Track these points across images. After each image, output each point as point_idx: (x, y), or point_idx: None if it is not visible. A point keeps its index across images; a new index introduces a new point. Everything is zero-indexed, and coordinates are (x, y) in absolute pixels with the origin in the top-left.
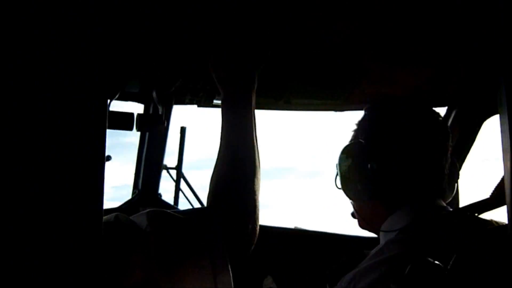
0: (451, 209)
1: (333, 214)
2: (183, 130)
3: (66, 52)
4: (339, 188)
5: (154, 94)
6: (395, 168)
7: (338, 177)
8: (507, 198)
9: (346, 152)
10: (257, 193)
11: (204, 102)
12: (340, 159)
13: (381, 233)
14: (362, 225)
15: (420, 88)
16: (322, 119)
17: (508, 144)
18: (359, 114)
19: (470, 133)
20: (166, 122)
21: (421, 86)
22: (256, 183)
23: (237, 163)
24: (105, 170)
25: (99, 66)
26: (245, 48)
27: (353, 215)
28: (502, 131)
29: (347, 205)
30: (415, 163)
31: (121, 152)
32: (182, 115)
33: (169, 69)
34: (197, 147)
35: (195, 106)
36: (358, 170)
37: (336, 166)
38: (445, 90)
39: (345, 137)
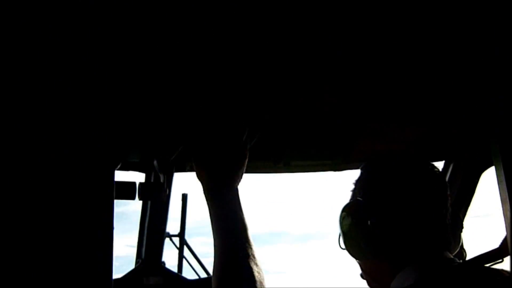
0: (459, 261)
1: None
2: (184, 197)
3: (74, 128)
4: (343, 249)
5: (155, 163)
6: (396, 224)
7: (341, 237)
8: (509, 246)
9: (346, 211)
10: (256, 275)
11: None
12: (341, 218)
13: None
14: (372, 285)
15: (417, 144)
16: (310, 182)
17: (506, 194)
18: (347, 174)
19: (469, 186)
20: (167, 190)
21: (418, 141)
22: (252, 265)
23: (231, 253)
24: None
25: (104, 139)
26: (230, 142)
27: (361, 276)
28: (498, 182)
29: (341, 268)
30: (415, 216)
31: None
32: (182, 180)
33: (170, 137)
34: (199, 212)
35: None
36: (359, 228)
37: (338, 226)
38: (442, 145)
39: (333, 198)
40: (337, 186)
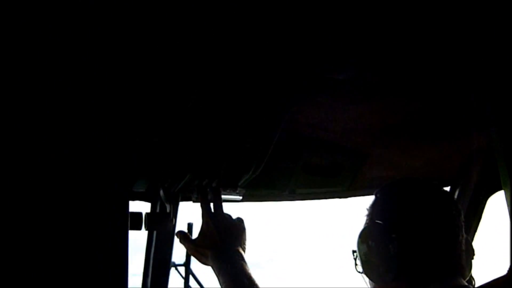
0: None
1: None
2: (190, 227)
3: (90, 160)
4: (361, 273)
5: (161, 192)
6: (416, 247)
7: (358, 262)
8: None
9: (365, 236)
10: None
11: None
12: (359, 242)
13: None
14: None
15: (421, 170)
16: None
17: None
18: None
19: (475, 211)
20: (174, 220)
21: (422, 167)
22: None
23: None
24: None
25: (119, 169)
26: None
27: None
28: (508, 205)
29: None
30: (434, 240)
31: None
32: (187, 209)
33: (176, 167)
34: None
35: None
36: (379, 252)
37: (355, 250)
38: (446, 170)
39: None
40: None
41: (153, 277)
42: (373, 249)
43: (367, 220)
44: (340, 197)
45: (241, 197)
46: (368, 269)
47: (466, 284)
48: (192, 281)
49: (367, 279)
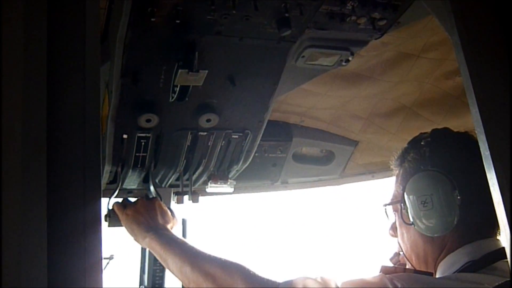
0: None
1: None
2: (184, 222)
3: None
4: (410, 224)
5: (151, 188)
6: (474, 200)
7: (409, 212)
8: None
9: (424, 184)
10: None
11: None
12: (415, 191)
13: (439, 270)
14: (417, 264)
15: None
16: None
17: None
18: None
19: None
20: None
21: None
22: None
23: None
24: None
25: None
26: None
27: (395, 260)
28: (491, 185)
29: None
30: (486, 192)
31: None
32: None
33: (165, 163)
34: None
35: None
36: (437, 201)
37: (406, 200)
38: None
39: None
40: None
41: (150, 273)
42: (435, 198)
43: (411, 168)
44: (333, 185)
45: (232, 189)
46: (421, 219)
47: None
48: None
49: (411, 230)
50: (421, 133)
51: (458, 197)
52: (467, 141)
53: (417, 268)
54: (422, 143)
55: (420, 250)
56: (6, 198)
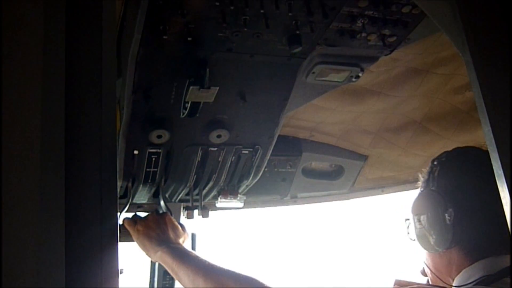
0: None
1: None
2: (193, 236)
3: None
4: (413, 240)
5: (161, 203)
6: (471, 218)
7: (412, 229)
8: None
9: (420, 203)
10: None
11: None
12: (414, 209)
13: (455, 284)
14: (434, 280)
15: (421, 168)
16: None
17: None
18: None
19: None
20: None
21: (422, 165)
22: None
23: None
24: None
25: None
26: None
27: (423, 272)
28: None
29: None
30: (490, 214)
31: None
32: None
33: (175, 178)
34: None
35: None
36: (434, 220)
37: (409, 218)
38: None
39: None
40: None
41: (159, 286)
42: (428, 216)
43: (422, 187)
44: (342, 199)
45: (242, 204)
46: (421, 237)
47: None
48: None
49: (419, 247)
50: (443, 152)
51: (448, 217)
52: (481, 159)
53: (434, 283)
54: (435, 162)
55: (433, 265)
56: (25, 213)
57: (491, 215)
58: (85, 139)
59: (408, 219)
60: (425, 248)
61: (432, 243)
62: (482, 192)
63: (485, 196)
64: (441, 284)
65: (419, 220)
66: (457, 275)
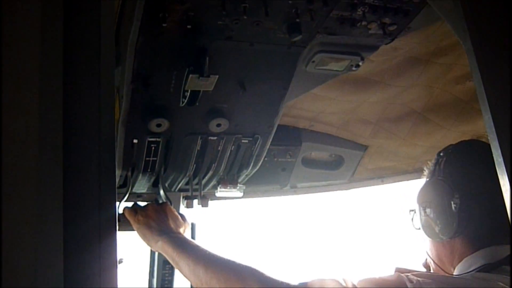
0: None
1: None
2: (193, 226)
3: None
4: (418, 229)
5: (161, 192)
6: (476, 207)
7: (417, 218)
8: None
9: (426, 192)
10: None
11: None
12: (420, 198)
13: (456, 273)
14: (437, 270)
15: (420, 158)
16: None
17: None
18: None
19: None
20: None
21: (421, 156)
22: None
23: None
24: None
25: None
26: None
27: (425, 265)
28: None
29: None
30: (494, 204)
31: None
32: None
33: (174, 168)
34: (207, 241)
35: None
36: (440, 209)
37: (415, 206)
38: None
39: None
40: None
41: (159, 277)
42: (435, 204)
43: (428, 177)
44: (342, 189)
45: (242, 194)
46: (426, 225)
47: None
48: None
49: (424, 236)
50: (449, 145)
51: (454, 205)
52: (485, 151)
53: (436, 272)
54: (441, 154)
55: (435, 254)
56: (23, 202)
57: (495, 205)
58: (84, 128)
59: (413, 210)
60: (430, 237)
61: (437, 231)
62: (486, 183)
63: (489, 186)
64: (443, 272)
65: (425, 209)
66: (458, 263)
